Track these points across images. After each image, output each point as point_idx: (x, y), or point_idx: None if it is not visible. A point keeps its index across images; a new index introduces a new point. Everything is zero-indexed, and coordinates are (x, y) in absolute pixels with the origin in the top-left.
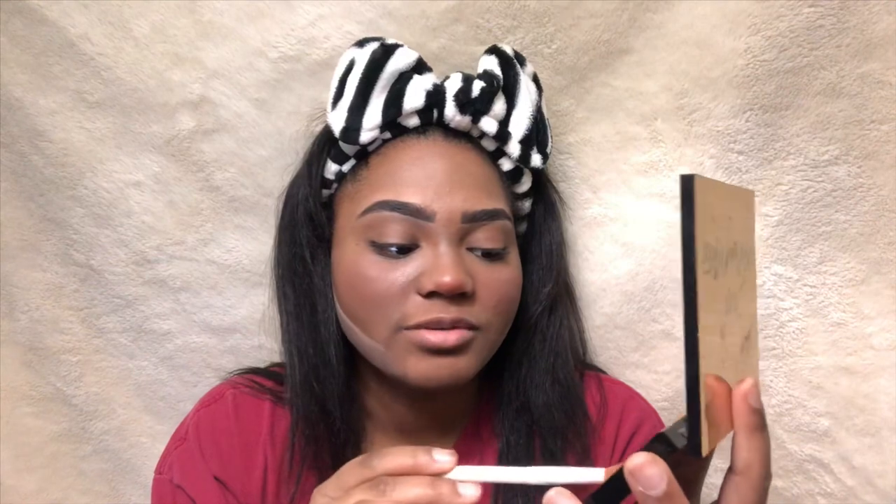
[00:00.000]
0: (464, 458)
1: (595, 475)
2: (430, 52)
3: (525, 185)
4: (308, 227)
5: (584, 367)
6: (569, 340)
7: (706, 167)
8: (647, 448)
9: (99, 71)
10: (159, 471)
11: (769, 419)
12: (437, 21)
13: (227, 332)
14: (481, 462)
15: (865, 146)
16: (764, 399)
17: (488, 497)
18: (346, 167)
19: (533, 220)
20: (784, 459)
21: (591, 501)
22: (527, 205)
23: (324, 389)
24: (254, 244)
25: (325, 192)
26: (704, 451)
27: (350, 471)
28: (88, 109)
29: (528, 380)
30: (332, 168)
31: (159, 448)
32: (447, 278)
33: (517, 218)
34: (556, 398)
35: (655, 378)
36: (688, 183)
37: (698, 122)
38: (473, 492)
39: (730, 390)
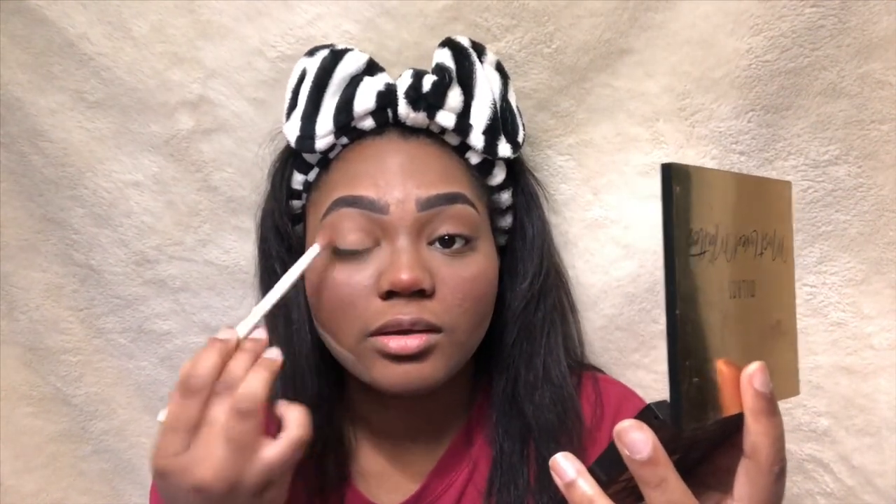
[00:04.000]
0: (457, 465)
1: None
2: (428, 51)
3: (498, 176)
4: (276, 241)
5: (581, 367)
6: (562, 338)
7: None
8: (637, 416)
9: (98, 71)
10: None
11: None
12: (435, 20)
13: None
14: (475, 470)
15: (865, 146)
16: None
17: (483, 484)
18: (311, 176)
19: (515, 211)
20: None
21: (595, 467)
22: (505, 196)
23: (300, 399)
24: (251, 246)
25: (297, 202)
26: (685, 423)
27: (178, 414)
28: (88, 109)
29: (518, 379)
30: (298, 179)
31: None
32: (403, 276)
33: (499, 211)
34: (547, 399)
35: (656, 378)
36: (666, 170)
37: (700, 124)
38: (261, 335)
39: (738, 373)
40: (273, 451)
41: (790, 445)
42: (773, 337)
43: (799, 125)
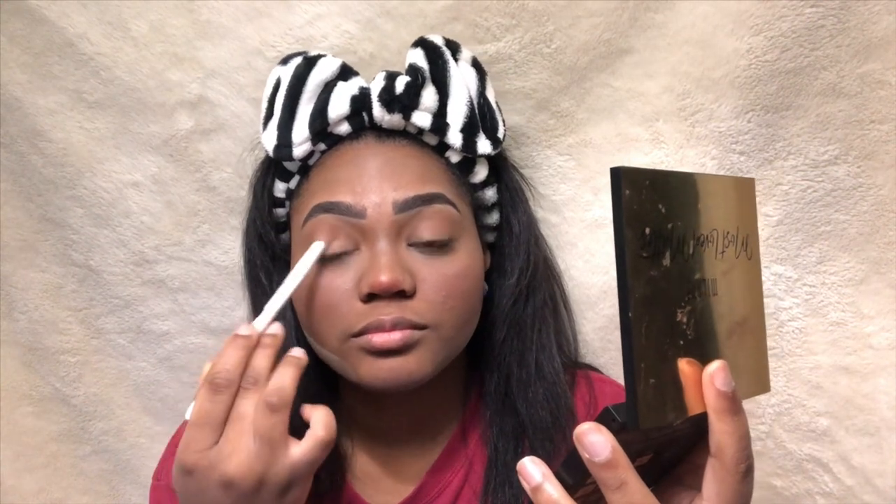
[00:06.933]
0: (452, 466)
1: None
2: None
3: (480, 173)
4: (261, 249)
5: (575, 365)
6: (554, 335)
7: (708, 168)
8: (597, 419)
9: (98, 71)
10: (157, 477)
11: (768, 418)
12: (435, 20)
13: (226, 334)
14: (469, 472)
15: (865, 146)
16: (763, 398)
17: (479, 484)
18: (292, 184)
19: (501, 208)
20: (783, 459)
21: (561, 470)
22: (490, 193)
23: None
24: None
25: (281, 210)
26: (643, 424)
27: (202, 415)
28: (87, 109)
29: (510, 376)
30: (280, 187)
31: (158, 448)
32: (382, 277)
33: (485, 208)
34: (541, 395)
35: None
36: (615, 174)
37: (700, 124)
38: (277, 329)
39: (702, 372)
40: (299, 450)
41: (790, 445)
42: (740, 334)
43: (798, 125)
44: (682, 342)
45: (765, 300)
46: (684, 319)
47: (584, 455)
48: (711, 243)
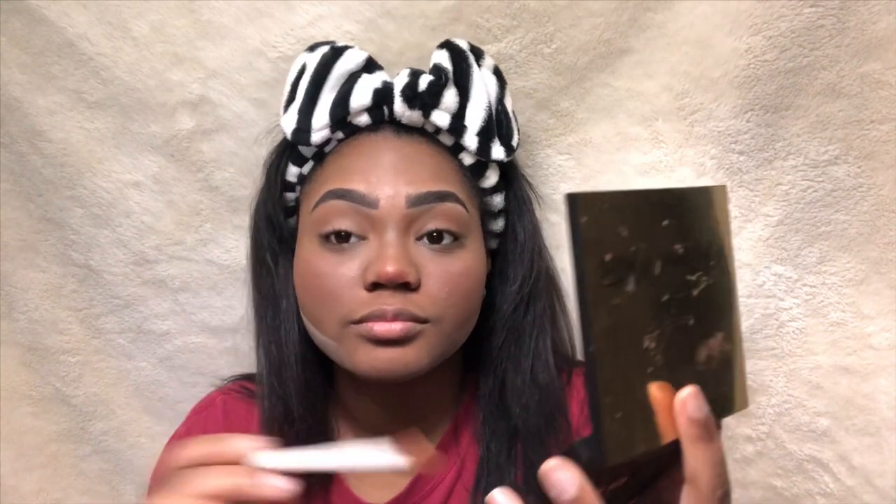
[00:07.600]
0: (445, 463)
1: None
2: (430, 52)
3: (491, 179)
4: (269, 231)
5: (571, 365)
6: (551, 342)
7: (707, 168)
8: (563, 454)
9: (98, 71)
10: (154, 478)
11: (768, 418)
12: (437, 20)
13: (227, 333)
14: (461, 469)
15: (865, 146)
16: (763, 399)
17: (471, 482)
18: (305, 169)
19: (507, 215)
20: (783, 459)
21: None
22: (497, 200)
23: (285, 391)
24: None
25: (291, 195)
26: (610, 461)
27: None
28: (87, 109)
29: (505, 381)
30: (293, 171)
31: (158, 448)
32: (389, 268)
33: (491, 214)
34: (534, 402)
35: None
36: (571, 200)
37: (699, 123)
38: (281, 483)
39: (672, 396)
40: None
41: (790, 445)
42: (715, 353)
43: (798, 125)
44: (650, 369)
45: (765, 300)
46: (652, 345)
47: (551, 492)
48: (681, 261)
